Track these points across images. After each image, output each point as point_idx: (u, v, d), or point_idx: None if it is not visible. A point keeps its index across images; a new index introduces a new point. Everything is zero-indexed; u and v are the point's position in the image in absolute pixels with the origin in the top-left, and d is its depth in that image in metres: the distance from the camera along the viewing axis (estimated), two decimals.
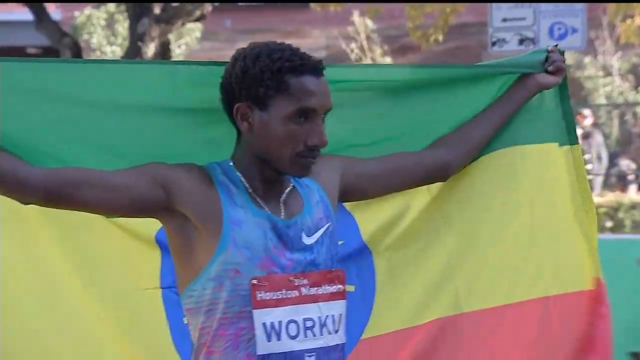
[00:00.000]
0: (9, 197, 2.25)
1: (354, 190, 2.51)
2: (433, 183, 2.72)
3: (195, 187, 2.24)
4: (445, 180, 2.73)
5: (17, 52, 19.55)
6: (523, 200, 2.87)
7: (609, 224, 11.60)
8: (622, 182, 13.78)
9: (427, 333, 2.78)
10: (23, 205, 2.34)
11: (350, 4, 12.84)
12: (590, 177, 13.70)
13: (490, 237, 2.85)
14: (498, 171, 2.83)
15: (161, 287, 2.60)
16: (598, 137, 14.01)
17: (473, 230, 2.83)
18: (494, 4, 10.39)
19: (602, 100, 16.32)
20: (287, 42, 2.33)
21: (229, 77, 2.26)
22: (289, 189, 2.32)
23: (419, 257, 2.79)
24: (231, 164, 2.30)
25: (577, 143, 2.92)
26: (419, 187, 2.74)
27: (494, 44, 10.44)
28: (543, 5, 10.26)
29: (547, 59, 2.78)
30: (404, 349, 2.77)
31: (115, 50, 17.82)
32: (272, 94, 2.19)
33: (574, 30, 10.29)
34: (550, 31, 10.28)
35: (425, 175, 2.66)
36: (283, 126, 2.20)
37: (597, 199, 12.07)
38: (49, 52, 17.97)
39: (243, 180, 2.27)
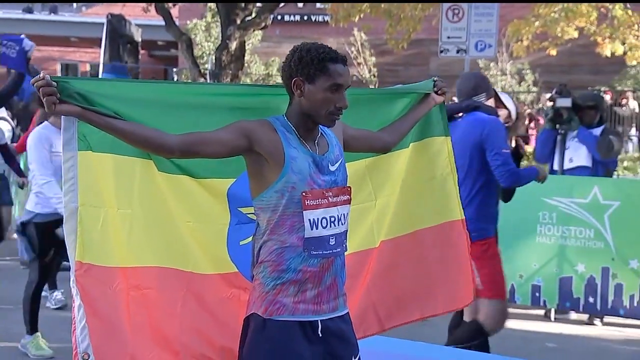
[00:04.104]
0: (156, 154, 2.19)
1: (345, 143, 2.38)
2: (379, 153, 2.64)
3: (266, 135, 2.15)
4: (385, 153, 2.64)
5: (152, 44, 19.41)
6: (428, 170, 2.83)
7: None
8: None
9: (357, 258, 2.66)
10: (153, 172, 2.29)
11: (351, 22, 12.60)
12: None
13: (400, 196, 2.75)
14: (408, 155, 2.78)
15: (229, 224, 2.44)
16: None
17: (391, 194, 2.73)
18: (443, 26, 9.99)
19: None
20: None
21: (289, 61, 2.16)
22: (319, 135, 2.25)
23: (360, 211, 2.65)
24: (285, 118, 2.21)
25: (449, 135, 2.88)
26: (362, 166, 2.66)
27: (441, 52, 10.11)
28: (472, 29, 9.88)
29: (435, 85, 2.75)
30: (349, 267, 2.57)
31: (210, 45, 17.47)
32: (317, 74, 2.12)
33: (490, 46, 10.00)
34: (475, 46, 9.94)
35: (377, 146, 2.57)
36: (323, 94, 2.13)
37: None
38: (171, 44, 17.83)
39: (294, 129, 2.19)
